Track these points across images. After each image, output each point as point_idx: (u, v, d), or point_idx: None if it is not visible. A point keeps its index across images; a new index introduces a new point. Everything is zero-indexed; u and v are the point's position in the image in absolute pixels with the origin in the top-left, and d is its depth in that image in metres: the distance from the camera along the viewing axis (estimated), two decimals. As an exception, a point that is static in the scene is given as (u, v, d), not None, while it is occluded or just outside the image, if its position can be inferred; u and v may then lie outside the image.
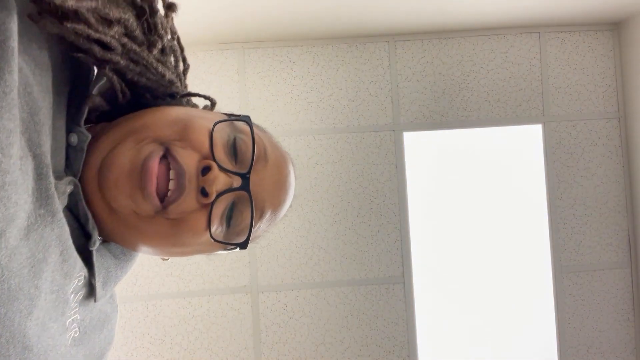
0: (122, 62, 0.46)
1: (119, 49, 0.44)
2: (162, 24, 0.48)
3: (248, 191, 0.46)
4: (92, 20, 0.41)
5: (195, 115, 0.48)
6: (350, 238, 2.74)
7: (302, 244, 2.73)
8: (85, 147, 0.43)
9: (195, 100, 0.61)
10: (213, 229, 0.46)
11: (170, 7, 0.50)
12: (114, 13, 0.42)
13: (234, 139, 0.48)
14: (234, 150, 0.48)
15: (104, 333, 0.51)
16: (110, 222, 0.44)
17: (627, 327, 2.77)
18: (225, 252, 0.54)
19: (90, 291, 0.46)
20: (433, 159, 2.85)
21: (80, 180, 0.44)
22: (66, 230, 0.39)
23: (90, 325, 0.47)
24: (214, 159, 0.45)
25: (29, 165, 0.35)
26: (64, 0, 0.37)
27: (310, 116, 2.76)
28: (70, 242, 0.40)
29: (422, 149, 2.82)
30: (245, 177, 0.46)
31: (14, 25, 0.34)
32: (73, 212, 0.43)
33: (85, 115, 0.45)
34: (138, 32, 0.46)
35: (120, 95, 0.49)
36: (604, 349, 2.76)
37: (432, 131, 2.79)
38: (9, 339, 0.34)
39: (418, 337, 2.74)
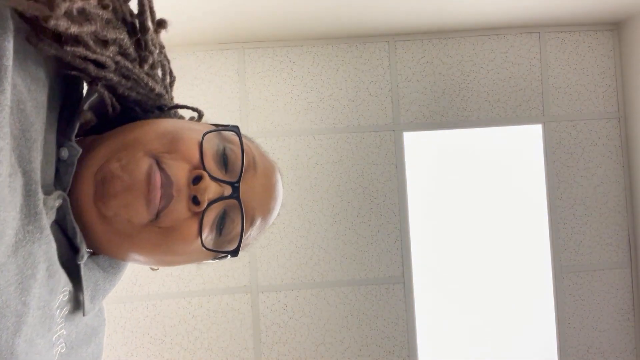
0: (115, 78, 0.47)
1: (113, 66, 0.46)
2: (152, 40, 0.50)
3: (238, 199, 0.47)
4: (91, 42, 0.42)
5: (184, 127, 0.49)
6: (350, 238, 2.74)
7: (302, 244, 2.73)
8: (76, 162, 0.44)
9: (184, 110, 0.62)
10: (204, 237, 0.46)
11: (160, 24, 0.52)
12: (111, 34, 0.44)
13: (224, 149, 0.49)
14: (223, 159, 0.49)
15: (92, 347, 0.52)
16: (103, 231, 0.45)
17: (627, 327, 2.77)
18: (214, 261, 0.55)
19: (76, 306, 0.46)
20: (433, 159, 2.85)
21: (70, 193, 0.45)
22: (53, 246, 0.40)
23: (76, 340, 0.48)
24: (205, 169, 0.46)
25: (19, 182, 0.36)
26: (67, 27, 0.38)
27: (310, 116, 2.76)
28: (56, 257, 0.40)
29: (422, 149, 2.82)
30: (235, 186, 0.47)
31: (9, 44, 0.35)
32: (61, 226, 0.44)
33: (76, 131, 0.46)
34: (131, 50, 0.48)
35: (110, 110, 0.50)
36: (604, 349, 2.76)
37: (432, 131, 2.79)
38: None
39: (418, 337, 2.74)
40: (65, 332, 0.44)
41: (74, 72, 0.44)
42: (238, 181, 0.48)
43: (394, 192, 2.75)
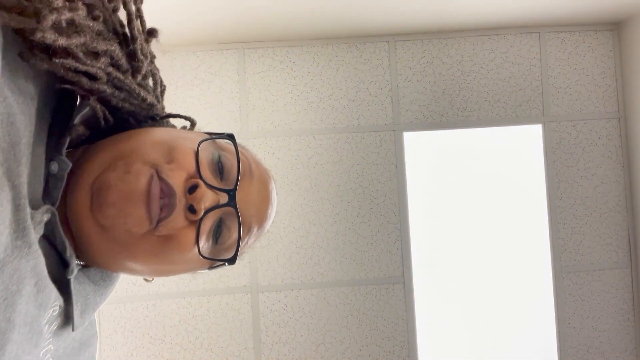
0: (108, 90, 0.47)
1: (105, 78, 0.46)
2: (142, 49, 0.50)
3: (235, 207, 0.48)
4: (80, 54, 0.42)
5: (179, 136, 0.50)
6: (350, 238, 2.74)
7: (302, 244, 2.73)
8: (65, 176, 0.43)
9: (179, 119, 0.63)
10: (201, 245, 0.47)
11: (151, 33, 0.51)
12: (102, 46, 0.43)
13: (219, 157, 0.50)
14: (219, 168, 0.49)
15: None
16: (100, 242, 0.45)
17: (627, 327, 2.77)
18: (210, 270, 0.55)
19: (66, 320, 0.45)
20: (433, 159, 2.85)
21: (64, 204, 0.44)
22: (41, 261, 0.39)
23: (64, 355, 0.47)
24: (201, 177, 0.46)
25: (6, 196, 0.35)
26: (55, 39, 0.38)
27: (310, 116, 2.76)
28: (45, 272, 0.40)
29: (422, 149, 2.82)
30: (231, 194, 0.48)
31: None
32: (50, 241, 0.43)
33: (67, 144, 0.46)
34: (123, 61, 0.47)
35: (102, 122, 0.50)
36: (604, 349, 2.76)
37: (432, 131, 2.79)
38: None
39: (418, 337, 2.74)
40: (52, 348, 0.44)
41: (67, 86, 0.44)
42: (234, 189, 0.48)
43: (394, 192, 2.75)
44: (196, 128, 0.64)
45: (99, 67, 0.44)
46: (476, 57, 2.79)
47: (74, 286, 0.45)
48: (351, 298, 2.73)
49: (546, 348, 2.79)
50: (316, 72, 2.77)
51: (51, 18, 0.37)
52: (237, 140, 0.51)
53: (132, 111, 0.53)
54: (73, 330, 0.46)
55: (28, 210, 0.38)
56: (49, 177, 0.43)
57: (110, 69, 0.46)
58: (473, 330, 2.85)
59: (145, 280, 0.56)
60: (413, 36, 2.77)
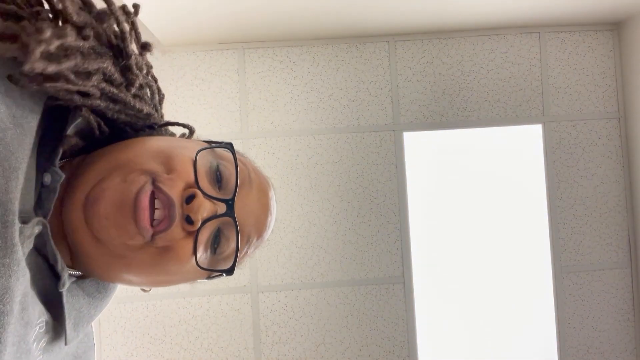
0: (102, 104, 0.47)
1: (98, 94, 0.45)
2: (137, 63, 0.49)
3: (233, 217, 0.47)
4: (72, 76, 0.41)
5: (177, 145, 0.49)
6: (350, 238, 2.74)
7: (302, 244, 2.73)
8: (58, 187, 0.43)
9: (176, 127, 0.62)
10: (198, 256, 0.46)
11: (145, 47, 0.51)
12: (92, 65, 0.43)
13: (217, 166, 0.49)
14: (217, 177, 0.49)
15: None
16: (96, 254, 0.44)
17: (627, 327, 2.77)
18: (208, 280, 0.54)
19: (56, 336, 0.44)
20: (433, 159, 2.85)
21: (59, 215, 0.44)
22: (27, 277, 0.38)
23: None
24: (199, 187, 0.45)
25: None
26: (44, 67, 0.38)
27: (310, 116, 2.76)
28: (29, 288, 0.39)
29: (422, 149, 2.82)
30: (229, 203, 0.47)
31: None
32: (41, 253, 0.42)
33: (59, 156, 0.45)
34: (116, 75, 0.47)
35: (97, 133, 0.50)
36: (604, 349, 2.76)
37: (432, 131, 2.79)
38: None
39: (418, 337, 2.74)
40: None
41: (60, 103, 0.44)
42: (233, 198, 0.47)
43: (394, 192, 2.75)
44: (196, 132, 0.64)
45: (92, 85, 0.44)
46: (476, 57, 2.79)
47: (66, 299, 0.44)
48: (351, 298, 2.73)
49: (546, 348, 2.79)
50: (316, 72, 2.77)
51: (39, 50, 0.37)
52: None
53: (129, 121, 0.52)
54: (66, 344, 0.45)
55: (17, 226, 0.37)
56: (42, 188, 0.43)
57: (103, 85, 0.45)
58: (473, 330, 2.85)
59: (143, 290, 0.55)
60: (413, 36, 2.77)
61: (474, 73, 2.78)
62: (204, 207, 0.45)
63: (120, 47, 0.47)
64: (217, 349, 2.68)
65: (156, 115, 0.56)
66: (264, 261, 2.72)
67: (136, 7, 0.50)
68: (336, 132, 2.76)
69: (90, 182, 0.44)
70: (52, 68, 0.38)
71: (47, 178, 0.43)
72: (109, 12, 0.45)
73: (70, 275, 0.45)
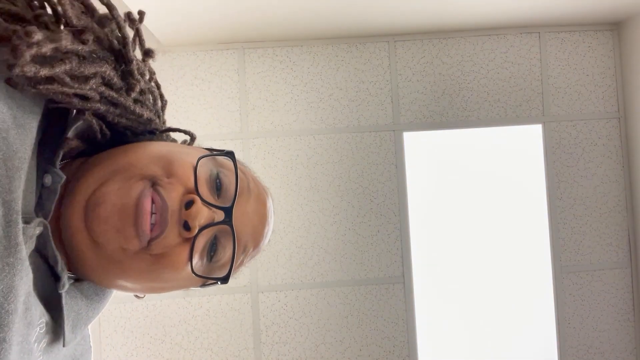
0: (102, 107, 0.47)
1: (97, 97, 0.45)
2: (138, 68, 0.49)
3: (231, 225, 0.47)
4: (67, 80, 0.41)
5: (179, 151, 0.49)
6: (350, 238, 2.74)
7: (302, 244, 2.73)
8: (58, 189, 0.43)
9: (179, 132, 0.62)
10: (194, 263, 0.46)
11: (147, 54, 0.51)
12: (89, 69, 0.43)
13: (217, 174, 0.49)
14: (216, 184, 0.49)
15: None
16: (93, 257, 0.44)
17: (627, 327, 2.77)
18: (202, 288, 0.54)
19: (56, 337, 0.44)
20: (433, 159, 2.85)
21: (58, 217, 0.44)
22: (30, 277, 0.38)
23: None
24: (198, 194, 0.45)
25: None
26: (36, 71, 0.38)
27: (310, 116, 2.76)
28: (31, 288, 0.39)
29: (422, 149, 2.82)
30: (228, 211, 0.47)
31: None
32: (41, 254, 0.42)
33: (60, 157, 0.45)
34: (116, 80, 0.47)
35: (99, 136, 0.50)
36: (604, 349, 2.76)
37: (432, 131, 2.79)
38: None
39: (418, 337, 2.74)
40: None
41: (59, 105, 0.44)
42: (231, 206, 0.47)
43: (394, 192, 2.75)
44: (197, 135, 0.64)
45: (90, 88, 0.44)
46: (476, 57, 2.79)
47: (65, 301, 0.44)
48: (351, 298, 2.73)
49: (546, 348, 2.79)
50: (316, 72, 2.77)
51: (29, 54, 0.37)
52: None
53: (129, 126, 0.52)
54: (64, 346, 0.45)
55: (20, 225, 0.37)
56: (42, 189, 0.43)
57: (102, 88, 0.45)
58: (473, 330, 2.85)
59: (137, 297, 0.55)
60: (413, 36, 2.77)
61: (474, 73, 2.78)
62: (202, 214, 0.45)
63: (122, 52, 0.47)
64: (217, 349, 2.68)
65: (157, 121, 0.56)
66: (264, 261, 2.72)
67: (141, 14, 0.50)
68: (336, 132, 2.76)
69: (91, 185, 0.44)
70: (44, 72, 0.38)
71: (48, 179, 0.43)
72: (111, 17, 0.45)
73: (68, 277, 0.45)
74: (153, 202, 0.44)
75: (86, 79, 0.43)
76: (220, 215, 0.47)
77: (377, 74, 2.78)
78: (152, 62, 0.53)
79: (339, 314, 2.72)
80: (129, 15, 0.48)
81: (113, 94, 0.47)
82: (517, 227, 2.85)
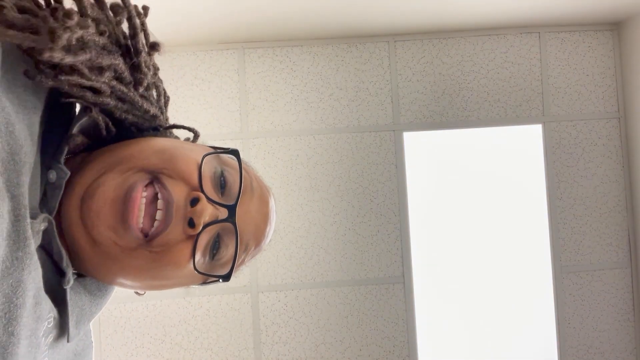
0: (112, 102, 0.47)
1: (108, 91, 0.45)
2: (145, 62, 0.49)
3: (234, 222, 0.47)
4: (86, 70, 0.41)
5: (183, 147, 0.49)
6: (350, 238, 2.74)
7: (302, 244, 2.73)
8: (63, 185, 0.42)
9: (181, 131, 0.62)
10: (196, 260, 0.46)
11: (153, 47, 0.51)
12: (106, 61, 0.43)
13: (221, 172, 0.49)
14: (220, 182, 0.49)
15: None
16: (92, 253, 0.43)
17: (627, 327, 2.77)
18: (203, 286, 0.54)
19: (61, 332, 0.44)
20: (433, 159, 2.85)
21: (59, 212, 0.43)
22: (40, 271, 0.38)
23: None
24: (202, 191, 0.45)
25: (5, 207, 0.34)
26: (62, 57, 0.38)
27: (310, 116, 2.76)
28: (41, 283, 0.39)
29: (422, 149, 2.82)
30: (231, 209, 0.47)
31: None
32: (46, 250, 0.42)
33: (65, 153, 0.45)
34: (126, 74, 0.47)
35: (104, 133, 0.50)
36: (604, 349, 2.76)
37: (432, 131, 2.79)
38: None
39: (418, 337, 2.74)
40: None
41: (71, 100, 0.44)
42: (235, 204, 0.47)
43: (394, 192, 2.75)
44: (200, 136, 0.64)
45: (104, 81, 0.44)
46: (476, 57, 2.79)
47: (70, 296, 0.44)
48: (351, 298, 2.73)
49: (546, 348, 2.79)
50: (316, 72, 2.77)
51: (65, 37, 0.37)
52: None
53: (135, 122, 0.52)
54: (68, 341, 0.45)
55: (28, 220, 0.37)
56: (47, 185, 0.43)
57: (113, 83, 0.46)
58: (473, 330, 2.85)
59: (137, 293, 0.55)
60: (413, 36, 2.77)
61: (474, 73, 2.78)
62: (206, 212, 0.44)
63: (129, 46, 0.47)
64: (217, 348, 2.68)
65: (162, 117, 0.56)
66: (264, 261, 2.72)
67: (145, 8, 0.50)
68: (336, 132, 2.76)
69: (89, 178, 0.44)
70: (69, 59, 0.38)
71: (53, 175, 0.43)
72: (123, 5, 0.46)
73: (72, 273, 0.45)
74: (159, 193, 0.44)
75: (101, 70, 0.43)
76: (223, 213, 0.47)
77: (377, 74, 2.78)
78: (157, 56, 0.53)
79: (339, 314, 2.72)
80: (135, 8, 0.48)
81: (123, 88, 0.47)
82: (517, 227, 2.85)
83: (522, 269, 2.85)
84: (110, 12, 0.45)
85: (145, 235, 0.43)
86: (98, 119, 0.47)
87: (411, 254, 2.75)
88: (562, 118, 2.79)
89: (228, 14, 2.37)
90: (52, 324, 0.42)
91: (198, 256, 0.46)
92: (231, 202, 0.47)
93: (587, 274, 2.77)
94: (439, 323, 2.83)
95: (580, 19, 2.71)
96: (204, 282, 0.53)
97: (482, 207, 2.86)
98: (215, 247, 0.48)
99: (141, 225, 0.43)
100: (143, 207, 0.43)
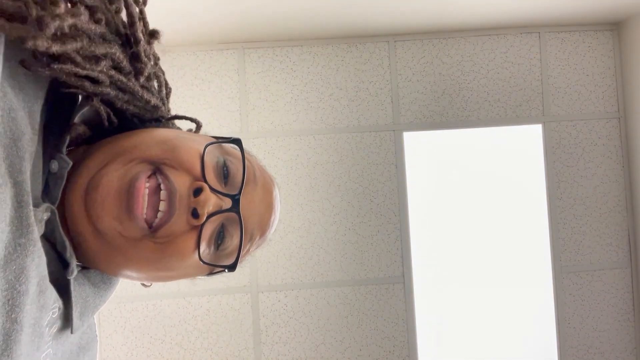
0: (112, 92, 0.46)
1: (107, 81, 0.45)
2: (145, 51, 0.49)
3: (238, 212, 0.46)
4: (79, 59, 0.41)
5: (185, 137, 0.49)
6: (350, 238, 2.74)
7: (302, 244, 2.73)
8: (65, 175, 0.42)
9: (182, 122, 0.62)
10: (201, 251, 0.45)
11: (153, 35, 0.50)
12: (100, 49, 0.42)
13: (224, 162, 0.49)
14: (223, 172, 0.48)
15: None
16: (96, 245, 0.43)
17: (627, 327, 2.77)
18: (208, 276, 0.54)
19: (65, 323, 0.44)
20: (433, 159, 2.85)
21: (62, 203, 0.43)
22: (44, 260, 0.38)
23: (63, 359, 0.46)
24: (206, 181, 0.45)
25: (8, 192, 0.34)
26: (48, 46, 0.37)
27: (310, 116, 2.76)
28: (46, 272, 0.39)
29: (422, 149, 2.82)
30: (235, 199, 0.46)
31: None
32: (49, 240, 0.42)
33: (67, 143, 0.45)
34: (125, 63, 0.46)
35: (106, 123, 0.49)
36: (604, 349, 2.76)
37: (432, 131, 2.79)
38: None
39: (418, 337, 2.74)
40: (52, 352, 0.42)
41: (71, 90, 0.43)
42: (239, 194, 0.47)
43: (394, 192, 2.75)
44: (201, 130, 0.63)
45: (100, 70, 0.43)
46: (476, 57, 2.79)
47: (73, 287, 0.44)
48: (351, 298, 2.73)
49: (546, 348, 2.79)
50: (316, 72, 2.77)
51: (54, 25, 0.36)
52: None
53: (137, 113, 0.52)
54: (72, 332, 0.44)
55: (31, 207, 0.36)
56: (49, 175, 0.42)
57: (112, 72, 0.45)
58: (473, 330, 2.85)
59: (143, 285, 0.55)
60: (413, 36, 2.77)
61: (474, 73, 2.78)
62: (210, 202, 0.44)
63: (128, 35, 0.47)
64: (217, 349, 2.68)
65: (163, 108, 0.55)
66: (264, 261, 2.72)
67: None
68: (336, 132, 2.76)
69: (93, 169, 0.43)
70: (55, 48, 0.37)
71: (55, 165, 0.42)
72: None
73: (76, 264, 0.45)
74: (162, 184, 0.43)
75: (97, 59, 0.43)
76: (227, 203, 0.46)
77: (377, 74, 2.78)
78: (157, 44, 0.52)
79: (339, 314, 2.72)
80: None
81: (122, 78, 0.46)
82: (517, 227, 2.85)
83: (522, 269, 2.85)
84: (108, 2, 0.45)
85: (150, 226, 0.43)
86: (99, 108, 0.47)
87: (411, 254, 2.75)
88: (562, 118, 2.79)
89: (228, 14, 2.37)
90: (56, 314, 0.41)
91: (203, 247, 0.46)
92: (234, 192, 0.47)
93: (587, 274, 2.77)
94: (439, 323, 2.83)
95: (580, 19, 2.71)
96: (210, 273, 0.52)
97: (482, 207, 2.86)
98: (220, 238, 0.48)
99: (145, 216, 0.42)
100: (146, 197, 0.42)
